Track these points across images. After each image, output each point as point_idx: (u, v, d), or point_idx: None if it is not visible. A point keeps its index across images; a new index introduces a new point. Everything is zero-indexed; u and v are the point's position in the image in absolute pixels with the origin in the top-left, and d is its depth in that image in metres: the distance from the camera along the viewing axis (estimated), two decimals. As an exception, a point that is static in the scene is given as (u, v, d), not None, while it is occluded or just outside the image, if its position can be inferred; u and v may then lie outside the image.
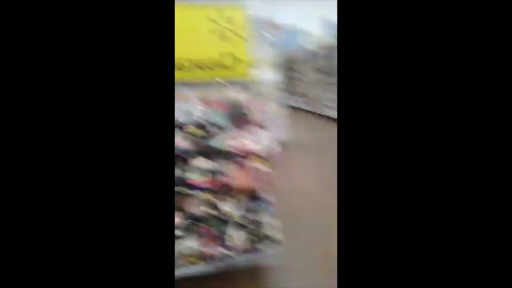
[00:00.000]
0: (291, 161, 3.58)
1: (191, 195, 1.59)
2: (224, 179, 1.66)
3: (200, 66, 1.63)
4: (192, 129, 1.56)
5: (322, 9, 8.68)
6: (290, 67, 8.55)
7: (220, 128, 1.68)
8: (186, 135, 1.57)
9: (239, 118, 1.71)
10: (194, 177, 1.58)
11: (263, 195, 1.81)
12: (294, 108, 5.19)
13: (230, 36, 1.65)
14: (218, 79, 1.71)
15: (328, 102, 6.20)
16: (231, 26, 1.64)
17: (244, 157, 1.73)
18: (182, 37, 1.58)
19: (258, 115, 1.75)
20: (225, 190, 1.70)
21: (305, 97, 7.62)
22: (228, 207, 1.69)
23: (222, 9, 1.60)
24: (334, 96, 5.89)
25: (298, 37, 10.10)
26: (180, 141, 1.54)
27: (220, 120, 1.66)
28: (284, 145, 3.85)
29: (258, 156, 1.77)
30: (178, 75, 1.59)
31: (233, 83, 1.74)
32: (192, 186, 1.57)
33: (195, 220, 1.64)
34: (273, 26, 3.12)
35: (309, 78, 7.43)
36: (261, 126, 1.77)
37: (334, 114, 5.89)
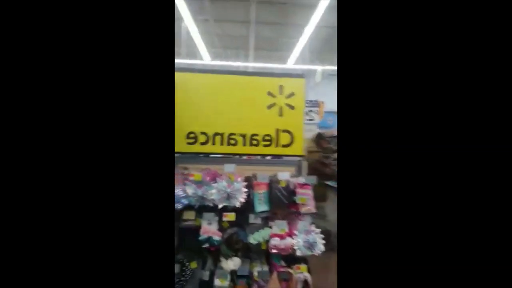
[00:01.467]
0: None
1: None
2: (260, 292, 1.19)
3: (255, 142, 1.38)
4: (230, 216, 1.20)
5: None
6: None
7: (264, 217, 1.31)
8: (220, 224, 1.21)
9: (286, 206, 1.34)
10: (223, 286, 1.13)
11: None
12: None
13: (288, 112, 1.44)
14: (269, 157, 1.43)
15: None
16: (291, 102, 1.45)
17: (289, 265, 1.28)
18: (238, 111, 1.40)
19: (310, 204, 1.37)
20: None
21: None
22: None
23: (285, 83, 1.43)
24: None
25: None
26: (215, 232, 1.16)
27: (265, 207, 1.30)
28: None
29: (305, 263, 1.31)
30: (228, 150, 1.35)
31: (287, 162, 1.44)
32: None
33: None
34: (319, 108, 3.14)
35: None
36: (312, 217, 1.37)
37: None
